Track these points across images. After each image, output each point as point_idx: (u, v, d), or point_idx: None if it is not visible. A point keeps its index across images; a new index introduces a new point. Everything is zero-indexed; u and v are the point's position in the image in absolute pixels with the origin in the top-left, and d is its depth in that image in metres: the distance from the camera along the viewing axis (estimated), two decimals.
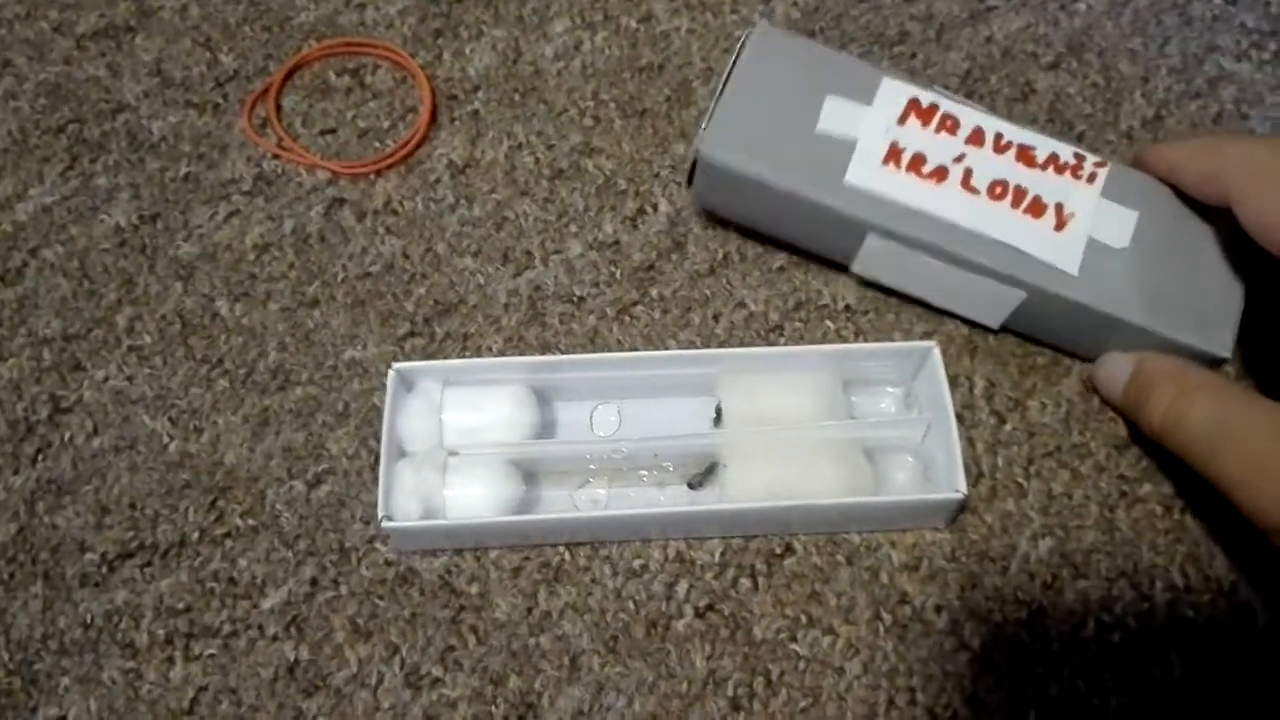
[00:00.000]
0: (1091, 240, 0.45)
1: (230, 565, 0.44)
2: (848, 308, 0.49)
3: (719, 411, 0.46)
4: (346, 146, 0.53)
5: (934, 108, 0.46)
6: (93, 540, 0.45)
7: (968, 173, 0.45)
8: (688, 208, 0.52)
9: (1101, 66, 0.55)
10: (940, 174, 0.45)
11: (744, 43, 0.47)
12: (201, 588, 0.44)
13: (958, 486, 0.42)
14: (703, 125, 0.46)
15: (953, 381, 0.45)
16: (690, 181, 0.48)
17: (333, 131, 0.54)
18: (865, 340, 0.49)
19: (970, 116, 0.46)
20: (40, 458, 0.47)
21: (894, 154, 0.45)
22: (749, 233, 0.51)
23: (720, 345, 0.49)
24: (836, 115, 0.46)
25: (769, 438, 0.44)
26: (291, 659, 0.43)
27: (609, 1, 0.57)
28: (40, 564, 0.45)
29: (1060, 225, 0.45)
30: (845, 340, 0.49)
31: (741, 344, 0.49)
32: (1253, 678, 0.42)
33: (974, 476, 0.45)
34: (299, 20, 0.57)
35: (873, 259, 0.47)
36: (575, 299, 0.50)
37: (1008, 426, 0.47)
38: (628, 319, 0.49)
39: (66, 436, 0.47)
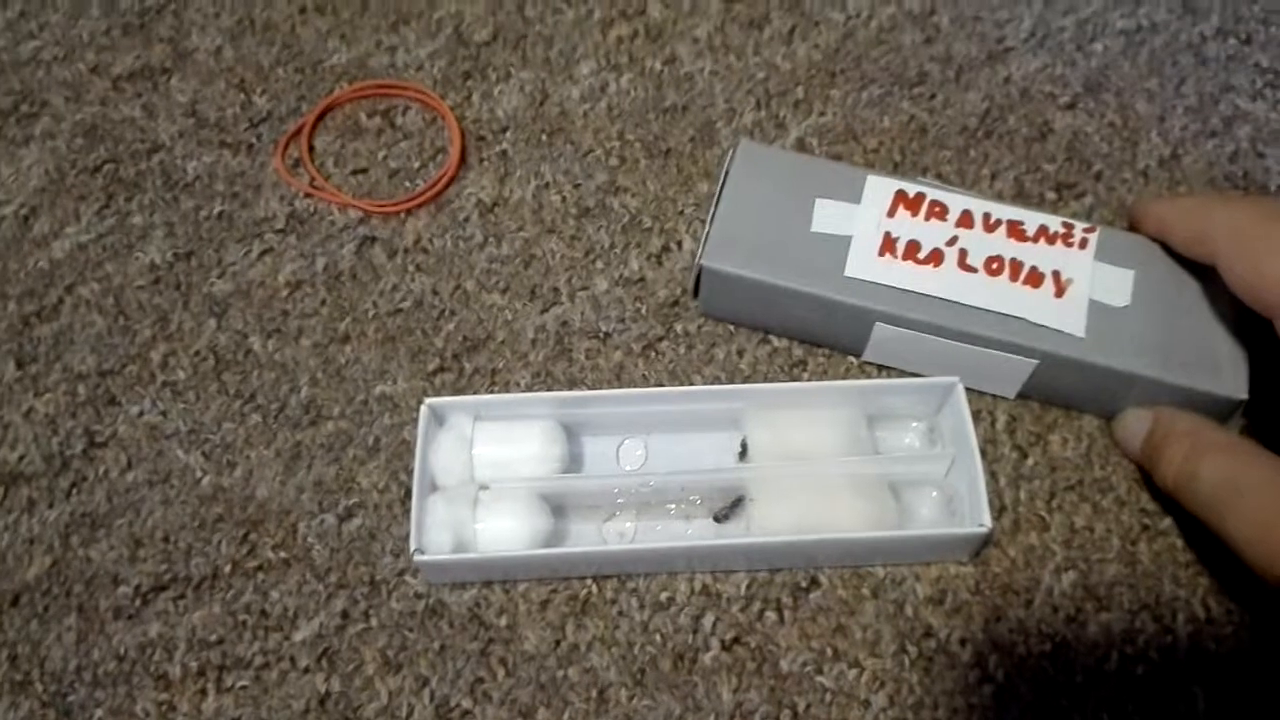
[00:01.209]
0: (1093, 302, 0.46)
1: (262, 598, 0.45)
2: None
3: (745, 446, 0.46)
4: (377, 186, 0.55)
5: (920, 196, 0.48)
6: (126, 573, 0.46)
7: (963, 253, 0.47)
8: None
9: (1119, 106, 0.56)
10: (936, 257, 0.46)
11: (731, 159, 0.49)
12: (234, 620, 0.45)
13: (982, 520, 0.43)
14: (702, 239, 0.48)
15: (975, 416, 0.46)
16: (696, 293, 0.49)
17: (364, 171, 0.55)
18: (888, 375, 0.49)
19: (957, 201, 0.48)
20: (75, 491, 0.48)
21: (889, 244, 0.47)
22: None
23: (744, 380, 0.49)
24: (828, 215, 0.48)
25: (795, 472, 0.45)
26: (323, 691, 0.43)
27: (634, 44, 0.58)
28: (74, 596, 0.45)
29: (1060, 292, 0.46)
30: (868, 375, 0.49)
31: (765, 379, 0.49)
32: (1276, 711, 0.42)
33: (997, 510, 0.46)
34: (331, 63, 0.58)
35: (883, 346, 0.48)
36: (601, 335, 0.50)
37: (1030, 461, 0.47)
38: (653, 354, 0.50)
39: (101, 470, 0.48)
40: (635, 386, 0.49)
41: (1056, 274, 0.46)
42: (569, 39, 0.59)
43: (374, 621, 0.44)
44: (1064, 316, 0.45)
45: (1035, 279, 0.46)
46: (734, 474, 0.45)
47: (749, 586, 0.45)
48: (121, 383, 0.50)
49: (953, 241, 0.47)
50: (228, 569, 0.46)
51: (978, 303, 0.46)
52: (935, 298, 0.46)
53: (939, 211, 0.47)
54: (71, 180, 0.55)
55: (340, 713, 0.43)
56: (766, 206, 0.48)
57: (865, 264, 0.47)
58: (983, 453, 0.45)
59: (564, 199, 0.54)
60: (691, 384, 0.49)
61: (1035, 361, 0.45)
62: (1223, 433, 0.43)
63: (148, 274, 0.52)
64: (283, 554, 0.46)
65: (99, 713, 0.43)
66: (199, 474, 0.48)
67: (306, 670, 0.44)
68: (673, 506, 0.46)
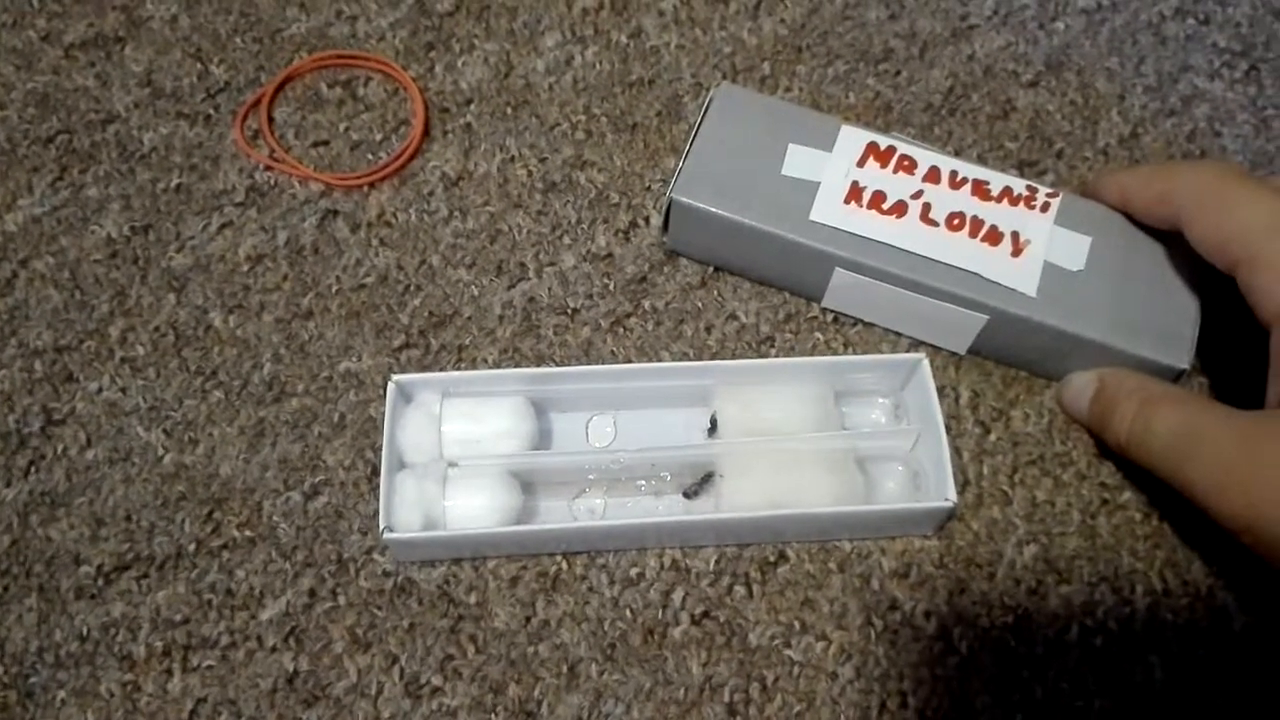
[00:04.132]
0: (1048, 264, 0.47)
1: (228, 577, 0.45)
2: (836, 319, 0.50)
3: (714, 422, 0.46)
4: (339, 158, 0.54)
5: (891, 150, 0.49)
6: (88, 553, 0.45)
7: (926, 207, 0.48)
8: None
9: (1080, 85, 0.57)
10: (900, 209, 0.48)
11: (709, 100, 0.50)
12: (199, 599, 0.44)
13: (948, 495, 0.43)
14: (674, 173, 0.48)
15: (939, 392, 0.46)
16: (665, 227, 0.50)
17: (325, 143, 0.54)
18: (854, 351, 0.50)
19: (926, 157, 0.49)
20: (33, 470, 0.47)
21: (855, 193, 0.48)
22: None
23: (712, 356, 0.49)
24: (799, 161, 0.49)
25: (763, 448, 0.45)
26: (291, 670, 0.43)
27: (599, 16, 0.58)
28: (35, 577, 0.45)
29: (1017, 251, 0.47)
30: (835, 351, 0.50)
31: (733, 355, 0.49)
32: (1230, 679, 0.44)
33: (961, 484, 0.46)
34: (290, 32, 0.57)
35: (841, 292, 0.49)
36: (569, 311, 0.50)
37: (992, 436, 0.48)
38: (621, 330, 0.50)
39: (60, 448, 0.47)
40: (604, 363, 0.49)
41: (1015, 234, 0.47)
42: (533, 10, 0.58)
43: (342, 600, 0.44)
44: (1018, 275, 0.46)
45: (994, 237, 0.47)
46: (703, 450, 0.46)
47: (718, 561, 0.45)
48: (79, 359, 0.49)
49: (918, 195, 0.48)
50: (192, 548, 0.45)
51: (936, 255, 0.47)
52: (895, 247, 0.47)
53: (908, 165, 0.48)
54: (24, 151, 0.54)
55: (309, 691, 0.43)
56: (740, 147, 0.49)
57: (830, 210, 0.47)
58: (946, 428, 0.45)
59: (530, 173, 0.54)
60: (660, 360, 0.49)
61: (986, 317, 0.47)
62: (1170, 386, 0.45)
63: (104, 248, 0.51)
64: (248, 532, 0.45)
65: (62, 694, 0.43)
66: (160, 452, 0.47)
67: (274, 649, 0.43)
68: (642, 483, 0.46)
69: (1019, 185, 0.48)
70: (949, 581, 0.45)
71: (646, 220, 0.53)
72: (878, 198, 0.48)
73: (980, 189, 0.48)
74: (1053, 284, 0.46)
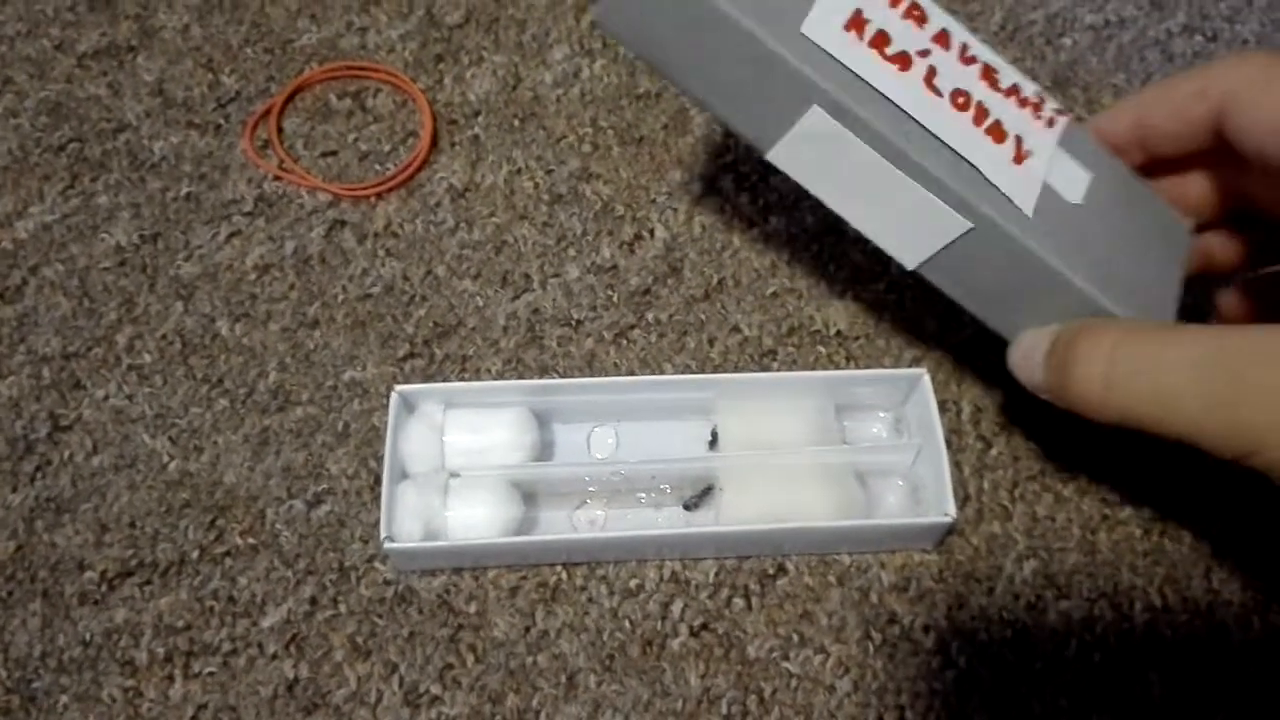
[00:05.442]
0: (1046, 186, 0.40)
1: (230, 584, 0.45)
2: (839, 333, 0.51)
3: (715, 435, 0.47)
4: (347, 169, 0.54)
5: None
6: (92, 558, 0.45)
7: (931, 70, 0.39)
8: (684, 233, 0.53)
9: (1086, 100, 0.57)
10: (904, 61, 0.39)
11: None
12: (201, 606, 0.45)
13: (947, 510, 0.43)
14: None
15: (941, 406, 0.46)
16: None
17: (334, 154, 0.55)
18: (856, 365, 0.50)
19: (939, 16, 0.41)
20: (39, 476, 0.47)
21: (858, 22, 0.39)
22: (744, 258, 0.52)
23: (715, 369, 0.50)
24: None
25: (763, 461, 0.45)
26: (291, 677, 0.43)
27: None
28: (39, 582, 0.45)
29: (1019, 159, 0.40)
30: (837, 365, 0.50)
31: (736, 368, 0.50)
32: (1229, 696, 0.44)
33: (961, 499, 0.47)
34: (301, 43, 0.58)
35: (802, 144, 0.39)
36: (573, 322, 0.51)
37: (994, 451, 0.48)
38: (625, 342, 0.50)
39: (66, 455, 0.47)
40: (606, 375, 0.49)
41: (1019, 139, 0.40)
42: (542, 23, 0.59)
43: (343, 608, 0.44)
44: (1016, 185, 0.39)
45: (999, 134, 0.40)
46: (704, 463, 0.46)
47: (717, 574, 0.45)
48: (87, 366, 0.49)
49: (924, 54, 0.40)
50: (195, 555, 0.45)
51: (936, 130, 0.38)
52: (892, 101, 0.38)
53: (918, 16, 0.40)
54: (36, 159, 0.54)
55: (309, 699, 0.43)
56: None
57: (827, 31, 0.38)
58: (948, 443, 0.45)
59: (536, 185, 0.54)
60: (662, 372, 0.50)
61: (970, 225, 0.39)
62: (1147, 320, 0.39)
63: (113, 256, 0.52)
64: (250, 540, 0.46)
65: (64, 699, 0.43)
66: (166, 459, 0.47)
67: (275, 657, 0.44)
68: (643, 495, 0.46)
69: (1029, 88, 0.42)
70: (948, 596, 0.45)
71: (651, 233, 0.53)
72: (881, 38, 0.39)
73: (990, 75, 0.41)
74: (1048, 210, 0.39)
